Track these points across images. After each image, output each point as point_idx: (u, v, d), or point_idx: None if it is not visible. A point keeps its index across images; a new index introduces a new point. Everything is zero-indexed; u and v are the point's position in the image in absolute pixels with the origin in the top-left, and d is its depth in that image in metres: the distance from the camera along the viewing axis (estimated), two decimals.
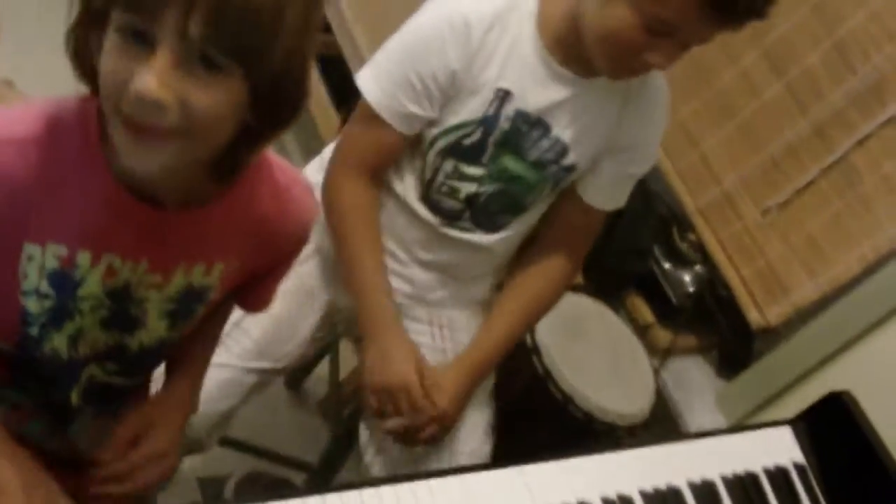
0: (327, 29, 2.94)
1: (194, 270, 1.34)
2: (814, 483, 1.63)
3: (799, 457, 1.65)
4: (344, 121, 2.21)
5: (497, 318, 2.03)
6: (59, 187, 1.21)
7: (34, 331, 1.31)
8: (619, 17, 1.64)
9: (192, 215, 1.27)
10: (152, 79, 1.04)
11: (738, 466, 1.57)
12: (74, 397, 1.43)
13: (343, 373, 2.75)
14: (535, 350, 2.44)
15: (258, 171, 1.31)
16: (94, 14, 1.09)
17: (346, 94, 2.82)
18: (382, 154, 1.89)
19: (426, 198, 1.92)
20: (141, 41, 1.05)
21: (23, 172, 1.19)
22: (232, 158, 1.20)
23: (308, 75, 1.17)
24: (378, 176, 1.93)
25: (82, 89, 1.18)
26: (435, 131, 1.86)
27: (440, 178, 1.89)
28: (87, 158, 1.20)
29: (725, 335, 2.91)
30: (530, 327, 2.18)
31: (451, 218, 1.94)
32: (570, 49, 1.78)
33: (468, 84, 1.81)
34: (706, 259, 2.90)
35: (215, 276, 1.37)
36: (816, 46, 2.66)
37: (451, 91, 1.81)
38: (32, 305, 1.28)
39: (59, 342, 1.33)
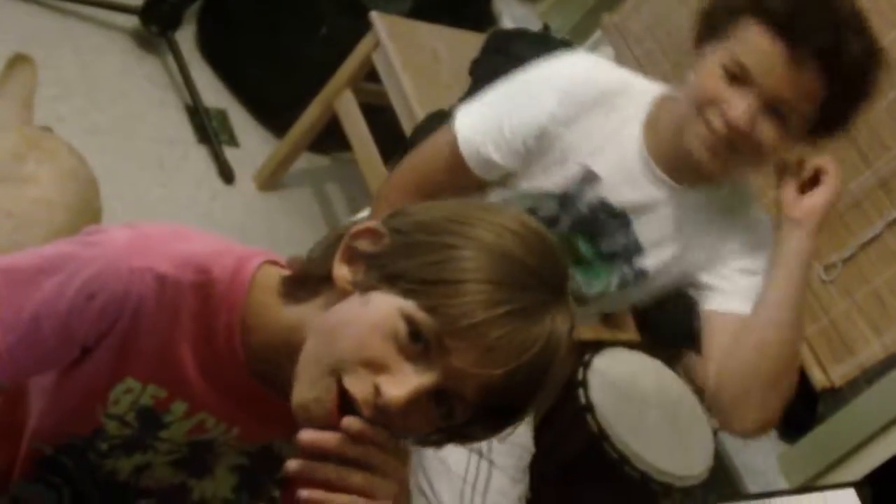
0: (375, 78, 2.93)
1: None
2: None
3: None
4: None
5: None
6: (180, 339, 1.18)
7: (103, 446, 1.28)
8: (702, 70, 1.67)
9: None
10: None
11: None
12: None
13: None
14: (590, 408, 2.38)
15: None
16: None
17: (394, 146, 2.80)
18: (443, 186, 1.84)
19: None
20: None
21: (150, 308, 1.15)
22: None
23: None
24: None
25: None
26: (510, 193, 1.83)
27: None
28: (223, 328, 1.18)
29: None
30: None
31: None
32: (670, 155, 1.76)
33: (555, 148, 1.77)
34: None
35: None
36: (880, 97, 2.62)
37: (536, 150, 1.77)
38: (112, 427, 1.25)
39: (122, 465, 1.30)
